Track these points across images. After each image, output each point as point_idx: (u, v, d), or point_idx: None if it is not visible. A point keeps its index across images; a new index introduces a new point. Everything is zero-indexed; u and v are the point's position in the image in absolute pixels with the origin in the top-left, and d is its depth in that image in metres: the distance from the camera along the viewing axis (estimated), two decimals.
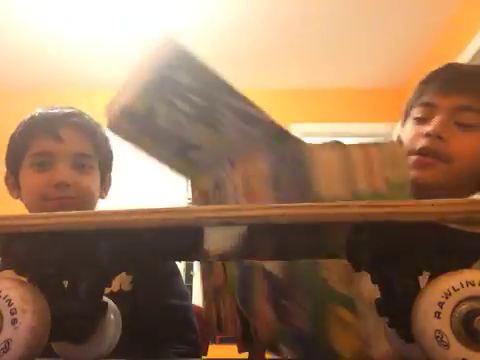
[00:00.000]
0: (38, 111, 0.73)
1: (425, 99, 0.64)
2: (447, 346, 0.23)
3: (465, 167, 0.60)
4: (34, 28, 2.38)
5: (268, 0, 2.22)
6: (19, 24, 2.36)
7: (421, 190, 0.58)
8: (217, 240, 0.30)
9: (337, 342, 0.37)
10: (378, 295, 0.29)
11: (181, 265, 2.39)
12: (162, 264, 0.72)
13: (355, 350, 0.37)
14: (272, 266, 0.41)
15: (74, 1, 2.18)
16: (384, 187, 0.34)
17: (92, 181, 0.72)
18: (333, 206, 0.26)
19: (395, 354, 0.33)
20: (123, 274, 0.66)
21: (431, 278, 0.26)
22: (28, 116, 0.73)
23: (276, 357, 0.43)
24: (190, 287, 2.37)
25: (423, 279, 0.28)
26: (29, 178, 0.70)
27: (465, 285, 0.24)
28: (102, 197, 0.76)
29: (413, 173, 0.59)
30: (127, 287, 0.67)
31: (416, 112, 0.64)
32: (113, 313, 0.34)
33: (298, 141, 0.38)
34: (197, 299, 1.02)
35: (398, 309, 0.27)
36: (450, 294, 0.24)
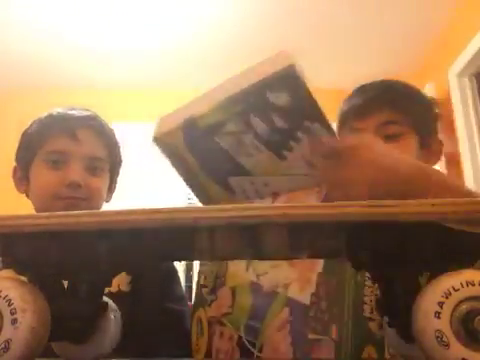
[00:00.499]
0: (57, 110, 0.74)
1: (351, 127, 0.70)
2: (447, 346, 0.23)
3: None
4: (33, 26, 2.38)
5: (268, 0, 2.22)
6: (18, 22, 2.36)
7: None
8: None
9: None
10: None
11: (181, 265, 2.38)
12: (161, 265, 0.72)
13: None
14: (297, 293, 0.41)
15: (74, 0, 2.18)
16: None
17: (102, 184, 0.73)
18: (333, 206, 0.26)
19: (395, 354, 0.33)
20: (122, 275, 0.66)
21: (431, 278, 0.26)
22: (45, 114, 0.74)
23: None
24: (190, 287, 2.37)
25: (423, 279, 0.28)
26: (41, 175, 0.70)
27: (465, 285, 0.24)
28: (107, 201, 0.77)
29: None
30: (126, 288, 0.67)
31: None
32: (113, 313, 0.34)
33: None
34: None
35: (398, 309, 0.27)
36: (450, 294, 0.24)
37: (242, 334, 0.43)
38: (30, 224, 0.27)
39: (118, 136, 0.78)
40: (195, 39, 2.52)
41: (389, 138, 0.66)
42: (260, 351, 0.42)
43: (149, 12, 2.29)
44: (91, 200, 0.70)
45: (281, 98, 0.34)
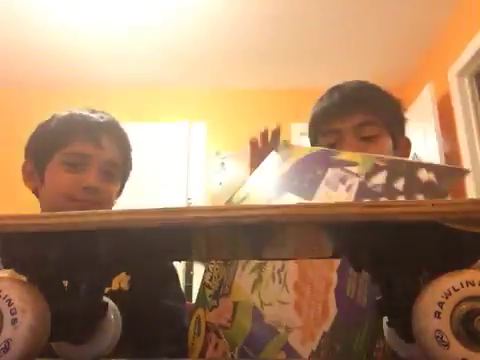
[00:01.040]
0: (77, 112, 0.74)
1: (327, 128, 0.71)
2: (447, 346, 0.23)
3: None
4: (49, 26, 2.38)
5: (268, 1, 2.22)
6: (33, 22, 2.36)
7: None
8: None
9: None
10: None
11: (181, 265, 2.38)
12: (161, 264, 0.73)
13: None
14: (298, 343, 0.40)
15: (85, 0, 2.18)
16: None
17: (114, 189, 0.75)
18: (333, 206, 0.26)
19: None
20: (123, 274, 0.67)
21: (431, 278, 0.26)
22: (65, 113, 0.75)
23: None
24: (190, 287, 2.37)
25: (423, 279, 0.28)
26: (59, 175, 0.70)
27: (465, 285, 0.24)
28: (112, 205, 0.78)
29: None
30: (126, 286, 0.67)
31: (325, 141, 0.71)
32: (113, 313, 0.34)
33: None
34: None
35: (398, 309, 0.27)
36: (450, 294, 0.24)
37: (235, 356, 0.43)
38: (30, 224, 0.27)
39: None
40: (196, 39, 2.52)
41: (366, 139, 0.68)
42: None
43: (153, 12, 2.29)
44: (102, 204, 0.71)
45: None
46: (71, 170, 0.70)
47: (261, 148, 0.71)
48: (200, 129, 2.96)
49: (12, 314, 0.25)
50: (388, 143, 0.70)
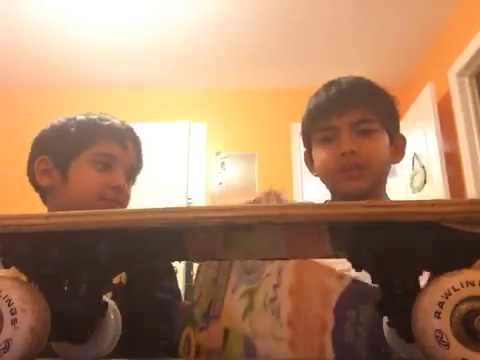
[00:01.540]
0: (99, 116, 0.76)
1: (324, 124, 0.70)
2: (447, 346, 0.23)
3: (379, 165, 0.69)
4: (48, 26, 2.38)
5: (268, 1, 2.22)
6: (28, 23, 2.36)
7: (355, 198, 0.61)
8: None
9: None
10: None
11: (181, 265, 2.39)
12: (160, 263, 0.73)
13: None
14: None
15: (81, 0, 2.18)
16: None
17: (130, 192, 0.78)
18: (333, 206, 0.26)
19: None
20: None
21: (431, 278, 0.26)
22: (83, 116, 0.76)
23: None
24: (190, 287, 2.37)
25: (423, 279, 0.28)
26: (89, 174, 0.72)
27: (465, 285, 0.24)
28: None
29: (348, 186, 0.68)
30: (125, 280, 0.68)
31: (320, 136, 0.71)
32: (113, 313, 0.34)
33: None
34: None
35: (398, 309, 0.27)
36: (450, 294, 0.24)
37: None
38: (30, 224, 0.27)
39: None
40: (196, 39, 2.52)
41: (363, 134, 0.68)
42: None
43: (153, 12, 2.29)
44: (123, 205, 0.74)
45: None
46: (101, 170, 0.72)
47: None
48: (200, 129, 2.96)
49: (12, 314, 0.25)
50: (385, 139, 0.70)
